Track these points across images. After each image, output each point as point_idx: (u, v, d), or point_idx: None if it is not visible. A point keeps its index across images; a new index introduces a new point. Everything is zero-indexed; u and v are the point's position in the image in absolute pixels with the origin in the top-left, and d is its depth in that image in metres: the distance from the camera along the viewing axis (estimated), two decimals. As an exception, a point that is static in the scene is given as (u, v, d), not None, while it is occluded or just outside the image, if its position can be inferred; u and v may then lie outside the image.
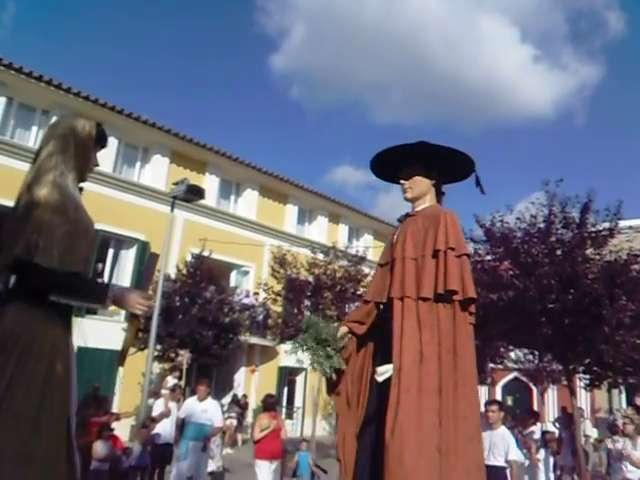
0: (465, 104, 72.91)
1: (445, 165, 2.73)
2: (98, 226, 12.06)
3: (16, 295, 1.96)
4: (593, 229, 9.69)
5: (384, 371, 2.42)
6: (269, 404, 7.49)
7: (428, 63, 69.89)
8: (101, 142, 2.35)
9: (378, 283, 2.75)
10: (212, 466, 8.53)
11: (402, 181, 2.78)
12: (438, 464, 2.19)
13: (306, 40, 71.32)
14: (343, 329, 2.79)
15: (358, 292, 13.80)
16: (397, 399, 2.26)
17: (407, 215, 2.84)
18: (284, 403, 19.37)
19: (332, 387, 2.80)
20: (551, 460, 8.87)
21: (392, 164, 2.81)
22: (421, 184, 2.73)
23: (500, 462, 5.52)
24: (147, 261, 2.41)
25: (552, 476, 8.84)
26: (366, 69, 76.46)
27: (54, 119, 12.07)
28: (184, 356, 12.50)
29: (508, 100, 73.11)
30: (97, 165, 2.39)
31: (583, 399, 22.37)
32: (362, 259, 14.46)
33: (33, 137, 15.16)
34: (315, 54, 75.09)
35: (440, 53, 69.84)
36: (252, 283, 18.42)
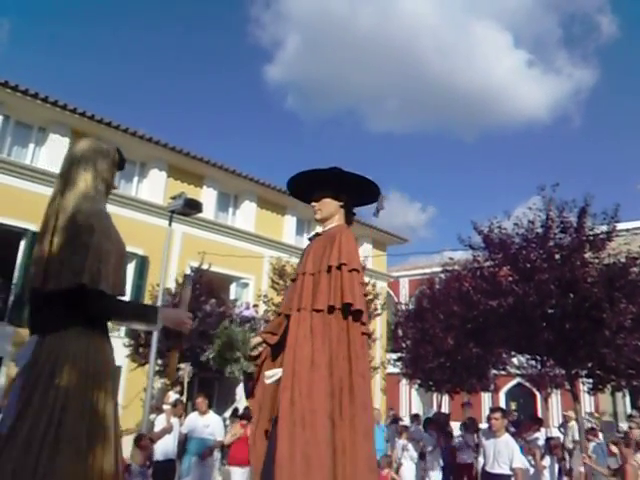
0: (460, 111, 73.25)
1: (355, 190, 2.97)
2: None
3: (72, 321, 2.01)
4: (591, 233, 9.69)
5: (271, 375, 2.69)
6: (245, 414, 7.65)
7: (422, 71, 70.31)
8: (120, 166, 2.42)
9: (288, 297, 3.00)
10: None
11: (313, 203, 3.02)
12: (331, 461, 2.37)
13: (300, 50, 71.78)
14: (257, 339, 3.03)
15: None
16: (290, 401, 2.45)
17: (317, 234, 3.08)
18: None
19: (249, 392, 3.03)
20: (556, 467, 8.81)
21: (306, 187, 3.06)
22: (329, 206, 2.96)
23: (505, 470, 5.50)
24: (183, 282, 2.58)
25: None
26: (361, 78, 76.87)
27: (51, 136, 11.98)
28: (185, 370, 12.43)
29: (503, 105, 73.50)
30: (115, 188, 2.46)
31: (587, 403, 22.29)
32: (362, 268, 14.47)
33: (30, 154, 15.19)
34: (310, 64, 75.53)
35: (434, 60, 70.27)
36: (252, 295, 18.38)
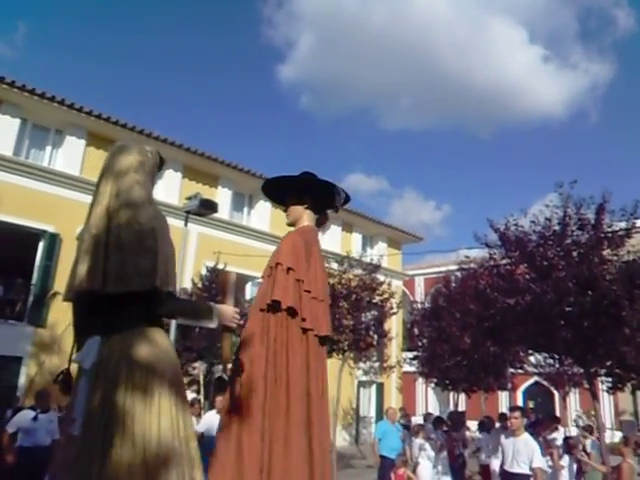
0: (475, 107, 72.78)
1: (317, 193, 3.14)
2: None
3: (137, 321, 2.07)
4: (609, 230, 9.57)
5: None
6: None
7: (437, 67, 69.94)
8: (160, 168, 2.48)
9: None
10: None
11: (285, 208, 3.24)
12: (265, 452, 2.52)
13: (314, 50, 71.76)
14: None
15: (374, 300, 13.74)
16: (232, 394, 2.70)
17: None
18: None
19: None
20: (575, 466, 8.72)
21: (277, 194, 3.33)
22: (295, 210, 3.16)
23: (524, 469, 5.44)
24: (225, 279, 2.59)
25: None
26: (375, 76, 76.70)
27: (67, 138, 12.06)
28: (199, 368, 12.51)
29: (519, 101, 72.87)
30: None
31: (606, 402, 22.04)
32: (377, 267, 14.39)
33: (47, 157, 15.36)
34: (323, 63, 75.49)
35: (448, 57, 69.88)
36: (267, 294, 18.41)
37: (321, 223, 3.25)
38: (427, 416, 13.12)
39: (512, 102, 72.14)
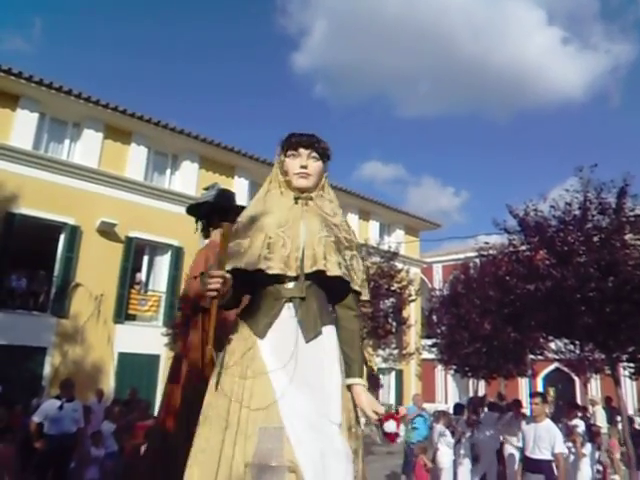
0: (493, 91, 71.87)
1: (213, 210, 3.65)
2: (132, 233, 12.34)
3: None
4: (632, 214, 9.42)
5: None
6: None
7: (453, 51, 69.12)
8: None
9: None
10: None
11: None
12: (185, 430, 2.69)
13: (327, 36, 71.29)
14: None
15: (392, 288, 13.74)
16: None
17: None
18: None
19: None
20: (597, 454, 8.67)
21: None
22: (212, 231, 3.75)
23: (546, 455, 5.43)
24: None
25: (592, 470, 8.63)
26: (390, 62, 76.07)
27: (85, 131, 12.21)
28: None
29: (537, 85, 71.81)
30: None
31: (628, 388, 21.84)
32: (395, 255, 14.39)
33: (66, 150, 15.52)
34: (337, 50, 74.97)
35: (465, 40, 69.00)
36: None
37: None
38: (457, 407, 13.07)
39: (530, 86, 71.15)
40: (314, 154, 2.27)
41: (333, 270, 2.07)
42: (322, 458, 1.80)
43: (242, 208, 3.78)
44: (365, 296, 2.20)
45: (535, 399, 5.84)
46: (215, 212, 3.58)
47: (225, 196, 3.71)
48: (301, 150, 2.27)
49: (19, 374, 12.70)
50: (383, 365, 21.90)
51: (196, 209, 3.72)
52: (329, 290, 2.13)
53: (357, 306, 2.18)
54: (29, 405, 10.50)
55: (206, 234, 3.74)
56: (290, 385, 1.92)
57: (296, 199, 2.26)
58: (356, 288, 2.17)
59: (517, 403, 9.71)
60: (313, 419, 1.87)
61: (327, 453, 1.81)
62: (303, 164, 2.25)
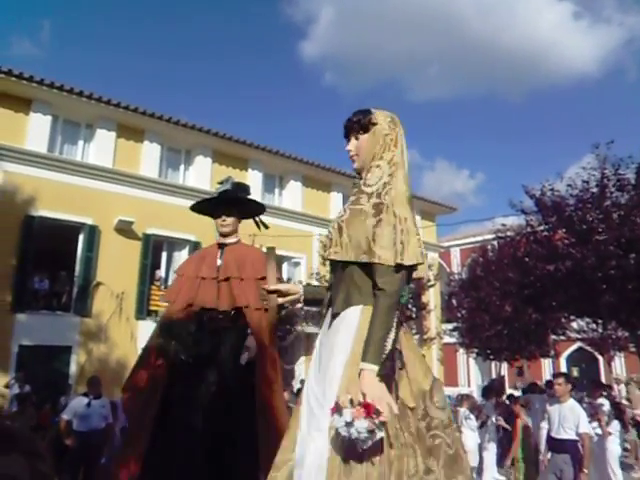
0: (505, 71, 70.94)
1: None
2: (149, 230, 12.39)
3: None
4: (651, 189, 9.29)
5: None
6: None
7: (463, 32, 68.29)
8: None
9: None
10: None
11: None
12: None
13: (335, 23, 70.80)
14: None
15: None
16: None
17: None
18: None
19: None
20: (624, 432, 8.61)
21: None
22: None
23: (571, 435, 5.40)
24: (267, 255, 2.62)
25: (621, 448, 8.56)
26: (399, 46, 75.41)
27: (98, 132, 12.22)
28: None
29: (550, 62, 70.71)
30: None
31: (654, 365, 21.57)
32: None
33: (80, 151, 15.67)
34: (345, 37, 74.47)
35: (474, 20, 68.09)
36: (304, 274, 18.56)
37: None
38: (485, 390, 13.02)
39: (543, 63, 70.08)
40: (354, 135, 2.29)
41: (332, 254, 2.11)
42: (308, 435, 1.90)
43: (249, 200, 3.94)
44: (385, 261, 1.94)
45: (558, 379, 5.81)
46: (222, 205, 3.70)
47: (238, 189, 3.86)
48: (348, 139, 2.32)
49: (46, 374, 12.95)
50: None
51: (202, 206, 3.85)
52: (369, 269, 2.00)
53: (379, 279, 1.95)
54: (57, 404, 10.70)
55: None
56: (310, 369, 2.15)
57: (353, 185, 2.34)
58: (368, 260, 1.98)
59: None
60: (312, 400, 1.99)
61: (311, 431, 1.90)
62: (347, 149, 2.31)
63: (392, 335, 1.86)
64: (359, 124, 2.25)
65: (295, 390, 16.61)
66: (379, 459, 1.75)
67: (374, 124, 2.24)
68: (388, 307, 1.90)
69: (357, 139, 2.26)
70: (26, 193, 13.72)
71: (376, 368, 1.79)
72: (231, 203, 3.72)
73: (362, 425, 1.65)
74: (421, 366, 2.04)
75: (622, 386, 11.50)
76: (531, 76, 72.95)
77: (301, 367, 18.43)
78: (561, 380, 5.78)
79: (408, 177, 2.21)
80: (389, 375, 1.85)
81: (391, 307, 1.90)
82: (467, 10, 67.62)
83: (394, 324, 1.88)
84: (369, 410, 1.67)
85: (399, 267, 1.95)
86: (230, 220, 3.71)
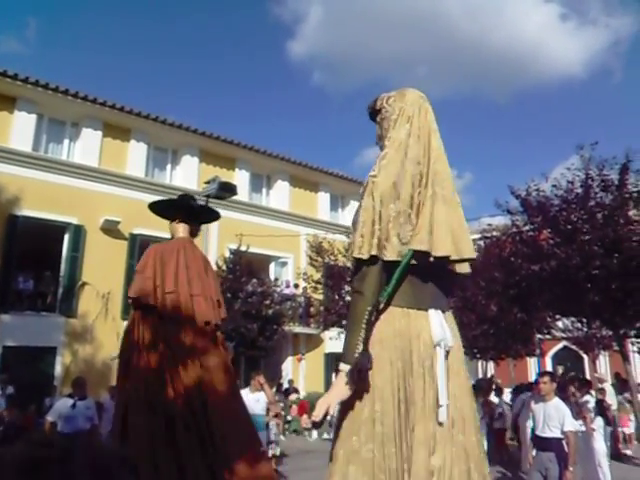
0: (492, 72, 71.29)
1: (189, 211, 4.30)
2: (136, 230, 12.32)
3: None
4: (635, 189, 9.41)
5: None
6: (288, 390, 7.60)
7: (450, 33, 68.49)
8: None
9: None
10: (271, 452, 8.66)
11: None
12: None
13: (323, 23, 70.72)
14: None
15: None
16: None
17: None
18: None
19: None
20: (608, 429, 8.68)
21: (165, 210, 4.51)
22: (171, 226, 4.41)
23: (556, 434, 5.45)
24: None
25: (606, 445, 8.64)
26: (387, 46, 75.58)
27: (84, 131, 12.13)
28: (229, 347, 12.74)
29: (537, 63, 71.16)
30: None
31: (637, 364, 21.84)
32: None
33: (65, 150, 15.53)
34: (334, 37, 74.44)
35: (462, 21, 68.34)
36: (292, 273, 18.55)
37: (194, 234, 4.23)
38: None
39: (530, 64, 70.53)
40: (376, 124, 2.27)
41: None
42: None
43: (204, 208, 4.40)
44: (356, 253, 1.83)
45: (543, 378, 5.85)
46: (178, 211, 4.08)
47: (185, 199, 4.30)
48: None
49: (30, 375, 12.81)
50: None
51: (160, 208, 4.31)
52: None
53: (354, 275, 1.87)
54: (42, 405, 10.61)
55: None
56: None
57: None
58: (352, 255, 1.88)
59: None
60: None
61: None
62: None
63: (362, 334, 1.77)
64: (370, 115, 2.30)
65: (283, 389, 16.63)
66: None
67: (378, 110, 2.25)
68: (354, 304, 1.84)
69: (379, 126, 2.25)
70: (10, 192, 13.57)
71: (347, 367, 1.75)
72: (186, 209, 4.08)
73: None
74: None
75: (605, 384, 11.64)
76: (518, 77, 73.49)
77: (288, 366, 18.42)
78: (546, 379, 5.83)
79: (423, 155, 2.14)
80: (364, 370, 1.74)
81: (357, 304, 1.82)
82: (455, 11, 67.93)
83: (363, 322, 1.77)
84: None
85: (370, 260, 1.81)
86: (182, 226, 4.07)
